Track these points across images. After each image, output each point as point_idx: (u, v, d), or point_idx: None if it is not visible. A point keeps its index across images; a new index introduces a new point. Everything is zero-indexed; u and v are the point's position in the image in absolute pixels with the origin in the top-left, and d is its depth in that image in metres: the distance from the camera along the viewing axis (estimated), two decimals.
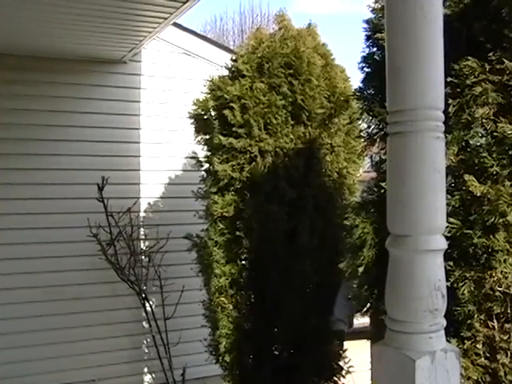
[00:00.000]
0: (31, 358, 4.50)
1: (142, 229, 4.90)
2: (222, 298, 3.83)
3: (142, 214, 4.93)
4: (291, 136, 3.77)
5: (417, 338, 1.61)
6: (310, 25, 4.23)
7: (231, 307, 3.83)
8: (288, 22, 4.12)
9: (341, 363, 4.21)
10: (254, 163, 3.72)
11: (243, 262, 3.82)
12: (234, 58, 4.14)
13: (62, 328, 4.60)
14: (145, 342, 5.03)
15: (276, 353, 3.91)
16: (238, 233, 3.74)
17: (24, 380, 4.42)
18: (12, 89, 4.48)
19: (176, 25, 4.88)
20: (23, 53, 4.46)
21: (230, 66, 4.06)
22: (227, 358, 3.88)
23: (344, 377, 4.30)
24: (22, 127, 4.51)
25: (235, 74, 3.96)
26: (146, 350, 5.05)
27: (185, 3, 3.54)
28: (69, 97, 4.68)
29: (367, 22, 3.24)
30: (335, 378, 4.16)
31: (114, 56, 4.78)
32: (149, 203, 5.00)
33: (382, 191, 3.13)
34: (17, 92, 4.50)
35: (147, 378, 5.07)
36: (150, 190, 4.99)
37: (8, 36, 4.12)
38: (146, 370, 5.07)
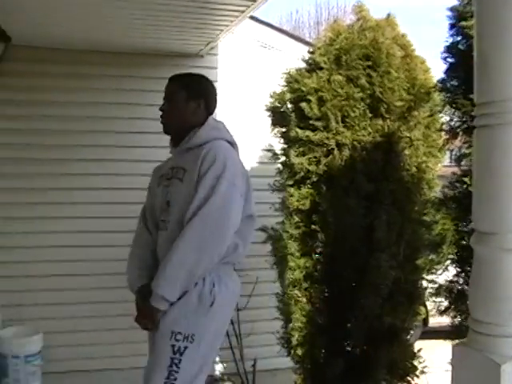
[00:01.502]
0: (96, 342, 4.65)
1: None
2: (296, 291, 3.81)
3: None
4: (369, 129, 3.70)
5: (502, 342, 1.54)
6: (389, 15, 4.12)
7: (305, 301, 3.81)
8: (366, 13, 4.04)
9: (415, 363, 4.11)
10: (330, 156, 3.68)
11: (318, 256, 3.79)
12: (311, 50, 4.11)
13: (129, 315, 4.72)
14: None
15: (348, 349, 3.86)
16: (313, 226, 3.71)
17: (86, 363, 4.56)
18: (102, 83, 4.64)
19: (252, 18, 4.88)
20: (104, 49, 4.59)
21: (306, 58, 4.03)
22: (299, 352, 3.87)
23: (418, 377, 4.19)
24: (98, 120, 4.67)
25: (312, 67, 3.93)
26: None
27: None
28: (147, 90, 4.77)
29: (451, 9, 3.14)
30: (408, 378, 4.06)
31: (191, 50, 4.83)
32: None
33: (465, 186, 3.04)
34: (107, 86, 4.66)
35: (218, 367, 5.12)
36: None
37: (86, 33, 4.25)
38: (217, 359, 5.12)
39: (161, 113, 2.58)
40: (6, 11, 3.67)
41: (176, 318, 2.25)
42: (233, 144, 2.52)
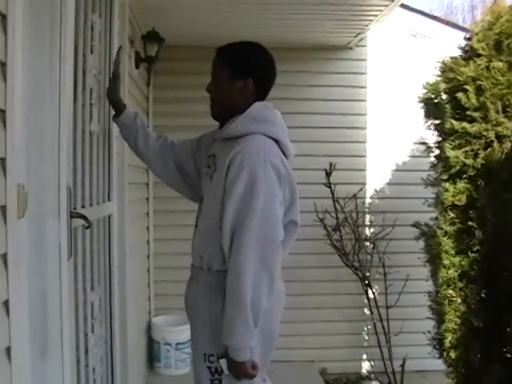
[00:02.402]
0: None
1: (367, 215, 4.87)
2: (450, 291, 3.65)
3: (367, 201, 4.90)
4: None
5: None
6: None
7: (459, 301, 3.64)
8: None
9: None
10: (489, 149, 3.47)
11: (474, 254, 3.60)
12: (467, 36, 3.90)
13: (288, 308, 4.78)
14: (365, 329, 5.02)
15: (508, 355, 3.62)
16: (469, 223, 3.53)
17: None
18: None
19: (402, 6, 4.73)
20: None
21: (462, 45, 3.83)
22: (452, 355, 3.71)
23: None
24: None
25: (469, 54, 3.72)
26: (366, 337, 5.04)
27: None
28: (297, 85, 4.80)
29: None
30: None
31: (339, 42, 4.79)
32: (375, 189, 4.95)
33: None
34: None
35: (365, 364, 5.06)
36: (376, 176, 4.93)
37: (231, 30, 4.34)
38: (364, 356, 5.06)
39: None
40: (160, 14, 3.87)
41: (205, 341, 2.03)
42: (278, 140, 2.01)
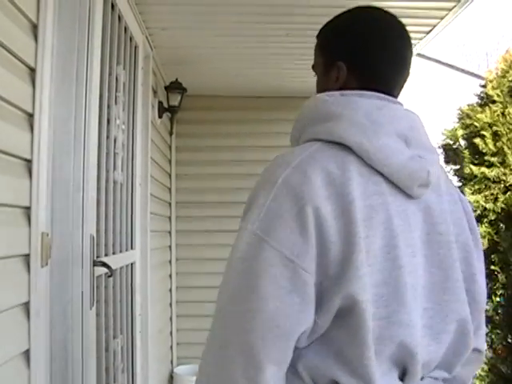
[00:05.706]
0: None
1: None
2: None
3: None
4: None
5: None
6: None
7: (485, 347, 3.56)
8: None
9: None
10: (508, 193, 3.48)
11: (498, 299, 3.55)
12: (482, 83, 3.96)
13: None
14: None
15: None
16: (492, 267, 3.50)
17: None
18: (271, 127, 4.79)
19: (419, 55, 4.82)
20: (278, 94, 4.74)
21: (478, 92, 3.89)
22: None
23: None
24: None
25: (484, 100, 3.78)
26: None
27: (428, 33, 3.48)
28: None
29: None
30: None
31: None
32: None
33: None
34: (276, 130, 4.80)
35: None
36: None
37: (250, 81, 4.43)
38: None
39: None
40: (182, 65, 3.97)
41: None
42: (347, 145, 0.98)
